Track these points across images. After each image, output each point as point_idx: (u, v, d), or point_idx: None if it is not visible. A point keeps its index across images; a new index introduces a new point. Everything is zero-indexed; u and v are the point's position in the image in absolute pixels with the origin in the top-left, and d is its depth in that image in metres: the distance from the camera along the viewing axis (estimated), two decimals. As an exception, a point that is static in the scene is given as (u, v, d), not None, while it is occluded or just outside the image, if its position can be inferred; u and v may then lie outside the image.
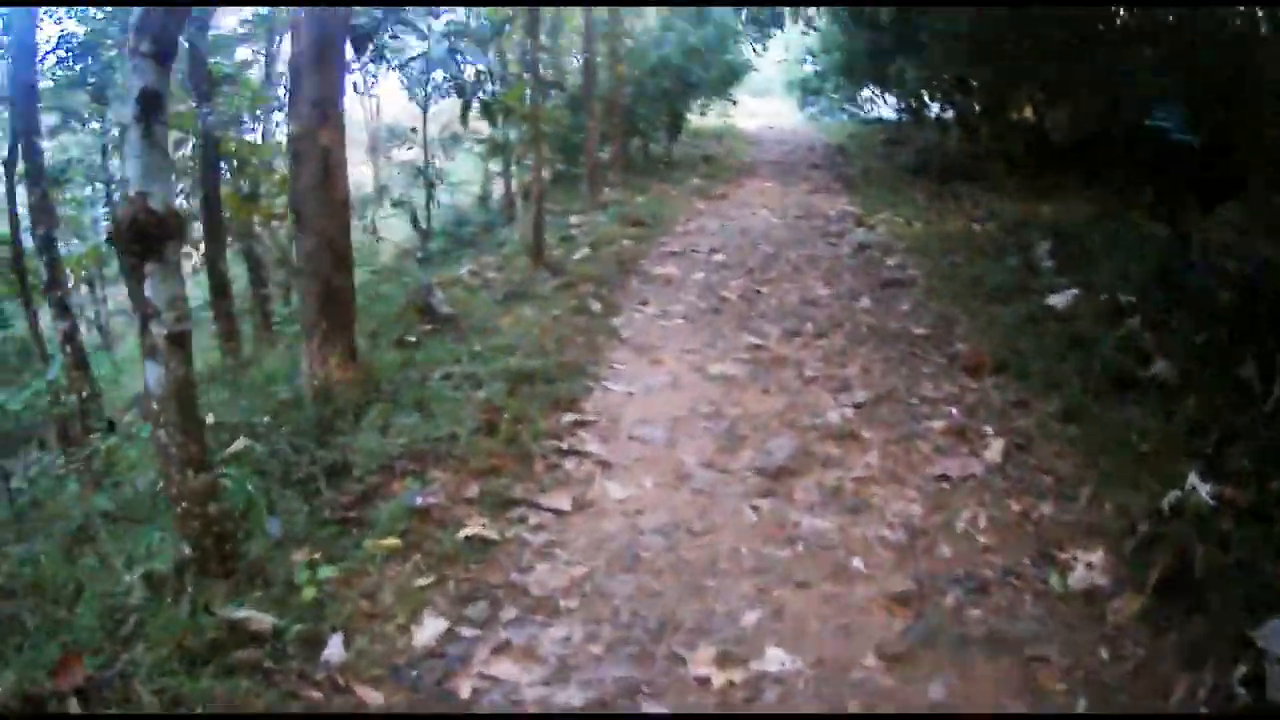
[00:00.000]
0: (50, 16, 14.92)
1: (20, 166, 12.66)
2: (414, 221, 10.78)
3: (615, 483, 6.10)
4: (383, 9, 11.80)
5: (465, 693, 4.07)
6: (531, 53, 12.25)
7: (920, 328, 9.35)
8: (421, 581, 4.87)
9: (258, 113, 17.44)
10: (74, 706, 3.66)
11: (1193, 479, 5.06)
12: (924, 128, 24.59)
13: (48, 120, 16.69)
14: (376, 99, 27.36)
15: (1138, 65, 12.22)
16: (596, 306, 10.12)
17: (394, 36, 10.03)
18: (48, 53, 15.62)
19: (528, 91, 12.61)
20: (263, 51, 20.77)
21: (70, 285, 16.56)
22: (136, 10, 4.39)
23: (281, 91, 16.04)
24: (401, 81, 16.17)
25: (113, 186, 16.67)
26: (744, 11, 24.75)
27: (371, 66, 15.98)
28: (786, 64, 35.15)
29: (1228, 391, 6.48)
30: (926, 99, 23.54)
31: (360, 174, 24.05)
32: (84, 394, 11.91)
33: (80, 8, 15.43)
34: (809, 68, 31.67)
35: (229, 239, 14.50)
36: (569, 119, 20.29)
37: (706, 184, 19.76)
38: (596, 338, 9.15)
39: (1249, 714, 3.71)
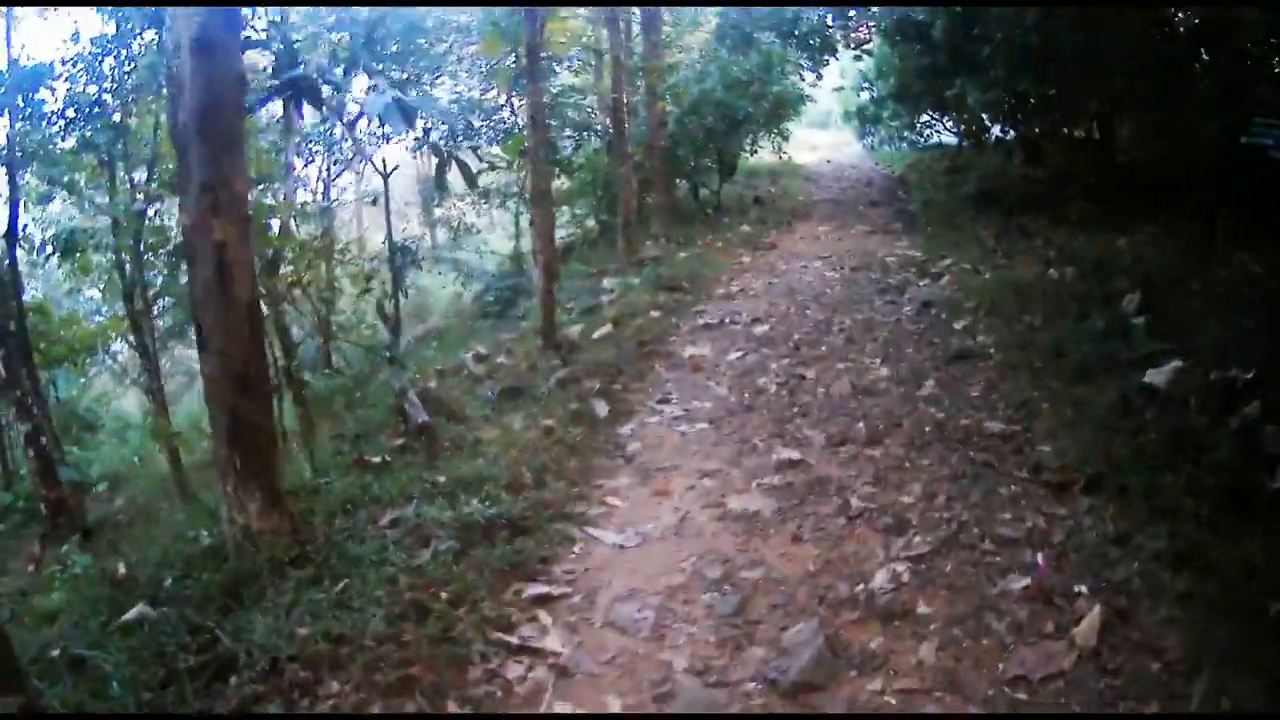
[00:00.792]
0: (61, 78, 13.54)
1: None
2: (380, 312, 9.04)
3: (569, 703, 4.47)
4: (329, 58, 10.22)
5: None
6: (532, 95, 10.54)
7: (995, 420, 7.57)
8: None
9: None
10: None
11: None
12: (985, 152, 23.12)
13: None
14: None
15: (1226, 71, 10.54)
16: (602, 410, 8.35)
17: (337, 89, 8.37)
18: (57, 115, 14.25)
19: (527, 143, 10.87)
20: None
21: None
22: None
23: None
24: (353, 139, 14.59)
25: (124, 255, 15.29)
26: (792, 37, 22.97)
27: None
28: (844, 93, 33.36)
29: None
30: (987, 121, 21.94)
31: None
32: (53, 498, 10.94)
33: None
34: (865, 95, 29.77)
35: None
36: (606, 165, 18.67)
37: (756, 231, 17.95)
38: (593, 459, 7.40)
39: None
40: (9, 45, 13.26)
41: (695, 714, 4.37)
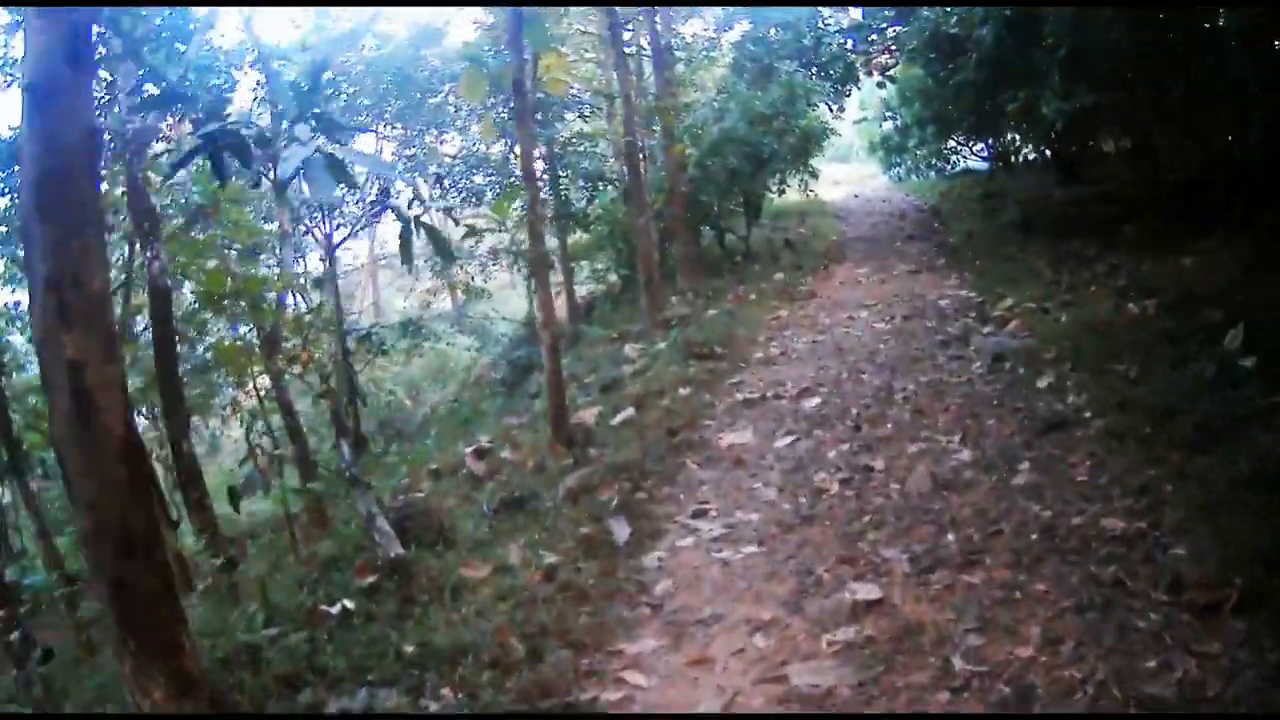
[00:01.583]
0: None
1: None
2: (336, 421, 7.24)
3: None
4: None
5: None
6: (523, 142, 8.84)
7: (1112, 515, 5.83)
8: None
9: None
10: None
11: None
12: (1017, 175, 22.29)
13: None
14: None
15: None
16: (622, 533, 6.54)
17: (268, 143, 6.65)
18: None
19: (522, 198, 9.19)
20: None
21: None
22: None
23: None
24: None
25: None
26: (814, 66, 21.27)
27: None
28: (865, 124, 31.80)
29: None
30: (1019, 142, 20.83)
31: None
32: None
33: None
34: (889, 124, 28.20)
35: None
36: (624, 216, 17.02)
37: (790, 278, 16.20)
38: (609, 610, 5.58)
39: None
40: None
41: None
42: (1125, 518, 5.77)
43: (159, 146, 12.24)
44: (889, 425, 8.19)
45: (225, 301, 11.08)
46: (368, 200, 13.61)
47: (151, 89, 10.64)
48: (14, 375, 13.22)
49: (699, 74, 23.61)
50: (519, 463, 8.87)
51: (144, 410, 13.84)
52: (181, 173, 12.16)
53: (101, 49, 9.74)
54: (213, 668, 4.87)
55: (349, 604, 5.79)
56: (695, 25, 23.14)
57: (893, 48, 21.48)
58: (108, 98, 11.33)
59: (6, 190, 12.72)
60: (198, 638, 4.69)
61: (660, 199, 16.90)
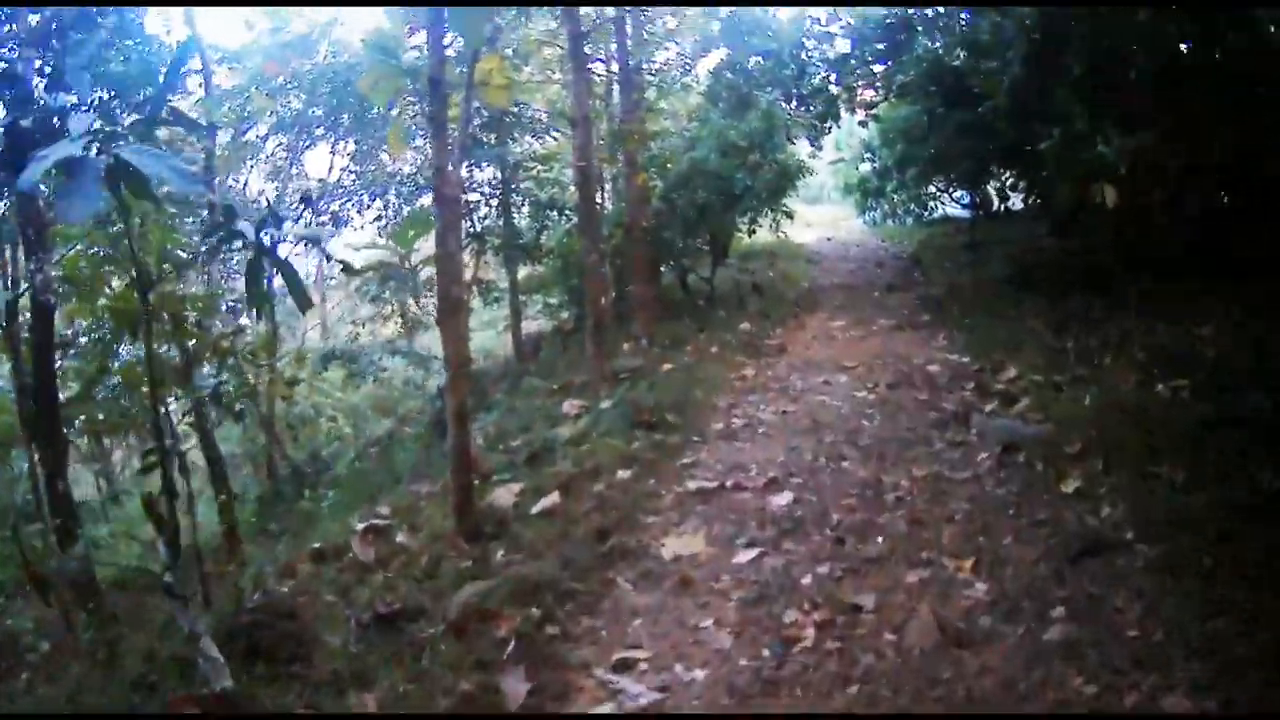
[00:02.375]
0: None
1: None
2: (155, 518, 5.28)
3: None
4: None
5: None
6: (437, 155, 6.95)
7: (1175, 693, 4.27)
8: None
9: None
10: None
11: None
12: (1001, 223, 21.42)
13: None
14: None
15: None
16: (516, 692, 4.71)
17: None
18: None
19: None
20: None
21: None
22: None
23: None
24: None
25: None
26: (794, 98, 19.54)
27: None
28: (840, 166, 30.31)
29: None
30: (1009, 188, 19.65)
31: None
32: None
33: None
34: (868, 166, 26.79)
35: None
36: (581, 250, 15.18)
37: (758, 329, 14.38)
38: None
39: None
40: None
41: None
42: (1191, 693, 4.26)
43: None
44: (880, 539, 6.36)
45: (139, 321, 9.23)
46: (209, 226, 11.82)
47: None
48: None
49: (670, 100, 21.80)
50: (414, 554, 7.01)
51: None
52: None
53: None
54: None
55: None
56: (671, 51, 21.33)
57: (878, 85, 19.96)
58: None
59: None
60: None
61: (618, 233, 15.08)
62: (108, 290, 9.71)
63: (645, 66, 18.36)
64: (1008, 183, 21.02)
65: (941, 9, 16.29)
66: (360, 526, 7.86)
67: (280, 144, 19.77)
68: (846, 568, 5.96)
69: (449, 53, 8.16)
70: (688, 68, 20.96)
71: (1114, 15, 10.94)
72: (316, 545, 7.85)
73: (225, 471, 13.92)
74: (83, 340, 12.60)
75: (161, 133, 18.40)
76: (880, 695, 4.56)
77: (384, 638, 5.55)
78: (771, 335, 14.08)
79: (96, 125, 4.15)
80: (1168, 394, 8.33)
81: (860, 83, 19.93)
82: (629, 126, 14.17)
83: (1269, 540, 5.24)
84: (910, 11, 16.94)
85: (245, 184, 20.01)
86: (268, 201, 11.55)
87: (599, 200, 16.54)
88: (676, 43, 21.12)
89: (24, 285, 9.65)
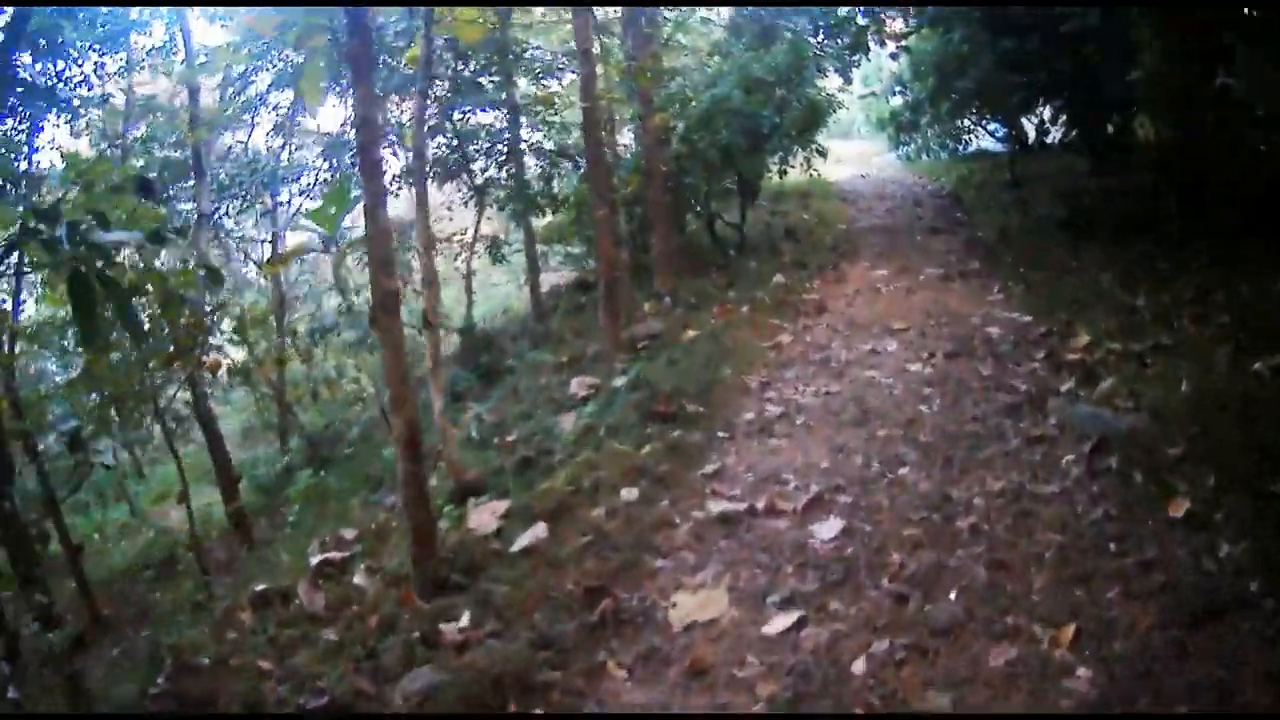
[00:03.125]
0: None
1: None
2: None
3: None
4: None
5: None
6: (361, 109, 5.20)
7: None
8: None
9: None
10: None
11: None
12: (1040, 158, 19.27)
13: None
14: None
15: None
16: None
17: None
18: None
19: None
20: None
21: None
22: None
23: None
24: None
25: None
26: (820, 32, 17.58)
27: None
28: (871, 101, 28.26)
29: None
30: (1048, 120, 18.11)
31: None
32: None
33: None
34: (899, 100, 24.73)
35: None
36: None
37: (793, 282, 12.61)
38: None
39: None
40: None
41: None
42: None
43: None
44: (953, 593, 4.71)
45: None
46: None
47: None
48: None
49: (690, 36, 19.80)
50: (367, 605, 5.44)
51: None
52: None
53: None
54: None
55: None
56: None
57: (909, 17, 17.96)
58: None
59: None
60: None
61: (635, 180, 13.28)
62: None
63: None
64: (1048, 116, 19.14)
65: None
66: (315, 560, 6.31)
67: (282, 99, 17.91)
68: (911, 644, 4.33)
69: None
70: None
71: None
72: (261, 586, 6.29)
73: (227, 456, 12.66)
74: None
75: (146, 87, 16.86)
76: None
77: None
78: (809, 289, 12.34)
79: None
80: (1268, 374, 6.66)
81: (889, 13, 17.95)
82: (642, 64, 12.28)
83: None
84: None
85: (247, 142, 18.30)
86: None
87: (614, 144, 14.70)
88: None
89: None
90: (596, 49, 11.25)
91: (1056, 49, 12.59)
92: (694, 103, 14.18)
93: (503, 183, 15.62)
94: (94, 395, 10.39)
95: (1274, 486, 5.00)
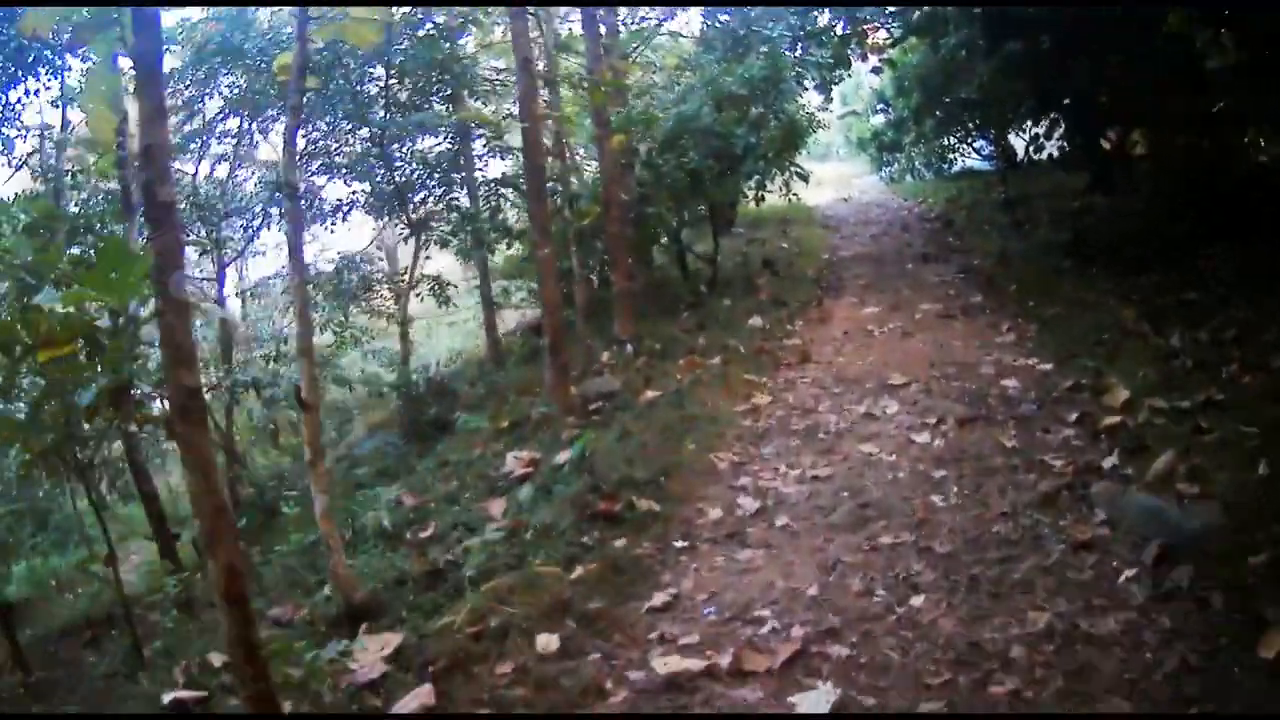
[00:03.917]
0: None
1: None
2: None
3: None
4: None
5: None
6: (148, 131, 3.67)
7: None
8: None
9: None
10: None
11: None
12: (1031, 176, 18.71)
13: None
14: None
15: None
16: None
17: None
18: None
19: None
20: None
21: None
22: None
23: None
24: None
25: None
26: (799, 45, 16.16)
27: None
28: (850, 120, 27.46)
29: None
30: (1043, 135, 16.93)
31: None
32: None
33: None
34: (880, 118, 24.63)
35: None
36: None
37: (772, 324, 11.12)
38: None
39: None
40: None
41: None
42: None
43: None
44: None
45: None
46: None
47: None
48: None
49: (659, 53, 18.33)
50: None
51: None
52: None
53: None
54: None
55: None
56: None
57: (891, 24, 16.64)
58: None
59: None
60: None
61: (593, 211, 11.76)
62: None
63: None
64: (1042, 131, 17.93)
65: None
66: (167, 699, 4.80)
67: (234, 126, 16.21)
68: None
69: None
70: (671, 12, 17.35)
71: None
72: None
73: (161, 512, 11.25)
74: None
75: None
76: None
77: None
78: (789, 332, 10.84)
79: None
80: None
81: (872, 22, 16.59)
82: (597, 77, 10.78)
83: None
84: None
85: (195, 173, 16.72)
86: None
87: (576, 169, 13.20)
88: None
89: None
90: (543, 64, 9.74)
91: (1074, 50, 11.16)
92: (659, 122, 12.65)
93: (444, 216, 13.99)
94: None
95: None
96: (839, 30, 16.84)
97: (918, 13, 15.01)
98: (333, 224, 13.84)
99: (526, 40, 8.83)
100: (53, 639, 11.50)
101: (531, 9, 10.65)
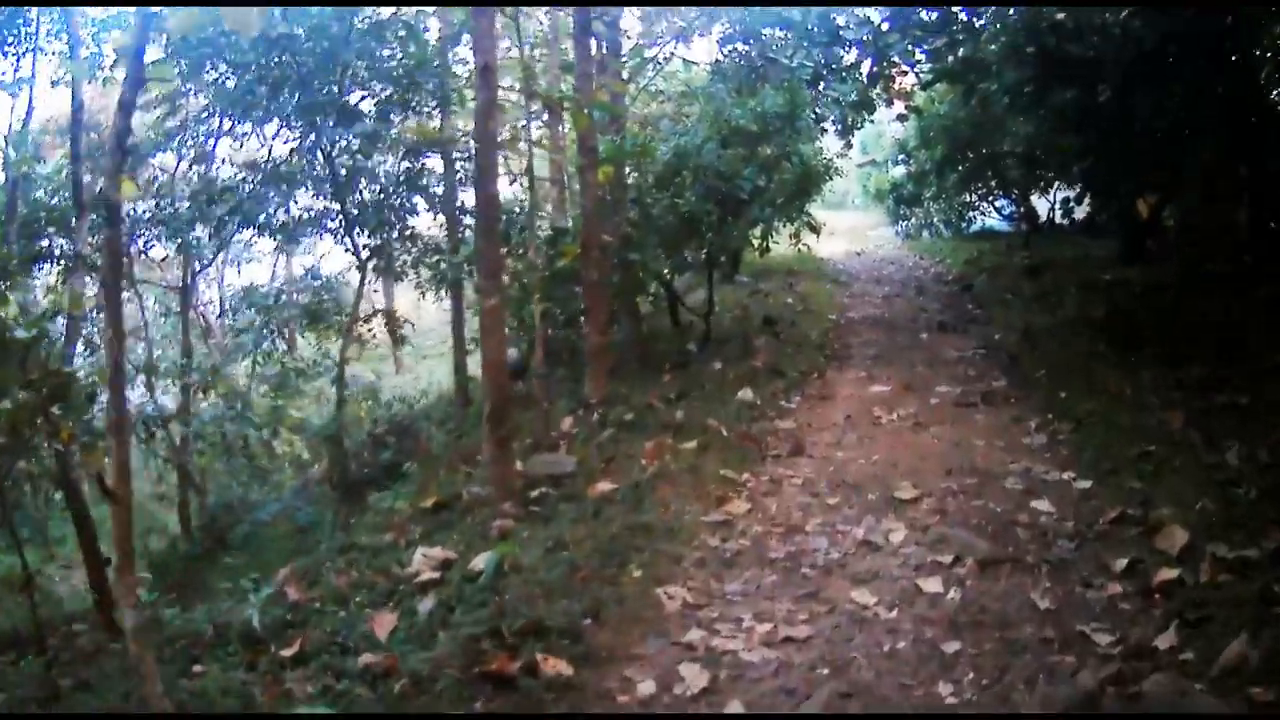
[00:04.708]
0: None
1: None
2: None
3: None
4: None
5: None
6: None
7: None
8: None
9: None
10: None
11: None
12: (1053, 239, 18.48)
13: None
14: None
15: None
16: None
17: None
18: None
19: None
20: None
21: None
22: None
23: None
24: None
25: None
26: (823, 81, 14.77)
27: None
28: (868, 169, 28.17)
29: None
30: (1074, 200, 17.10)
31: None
32: None
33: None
34: (901, 169, 24.09)
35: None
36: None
37: (764, 399, 9.68)
38: None
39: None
40: None
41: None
42: None
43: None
44: None
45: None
46: None
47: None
48: None
49: (669, 82, 17.00)
50: None
51: None
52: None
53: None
54: None
55: None
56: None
57: (921, 67, 15.29)
58: None
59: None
60: None
61: (571, 252, 10.31)
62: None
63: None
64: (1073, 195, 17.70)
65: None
66: None
67: (208, 127, 14.93)
68: None
69: None
70: (683, 34, 15.97)
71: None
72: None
73: (93, 532, 10.58)
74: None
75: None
76: None
77: None
78: (783, 411, 9.41)
79: None
80: None
81: (900, 65, 15.22)
82: (584, 97, 9.36)
83: None
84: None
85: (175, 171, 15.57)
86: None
87: (550, 205, 11.76)
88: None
89: None
90: (511, 82, 8.31)
91: (1137, 92, 9.87)
92: (652, 155, 11.22)
93: (403, 246, 12.52)
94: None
95: None
96: (866, 67, 15.48)
97: (952, 57, 13.60)
98: (283, 244, 12.42)
99: (490, 43, 7.36)
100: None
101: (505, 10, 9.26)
